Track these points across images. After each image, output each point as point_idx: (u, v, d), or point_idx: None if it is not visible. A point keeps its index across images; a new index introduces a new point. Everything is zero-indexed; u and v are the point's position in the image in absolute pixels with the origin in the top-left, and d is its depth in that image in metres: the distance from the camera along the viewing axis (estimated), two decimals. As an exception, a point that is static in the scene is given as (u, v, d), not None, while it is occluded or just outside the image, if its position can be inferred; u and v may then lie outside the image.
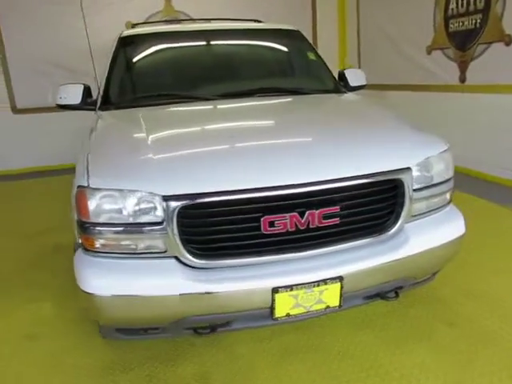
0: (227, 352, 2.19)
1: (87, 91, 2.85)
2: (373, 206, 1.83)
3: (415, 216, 1.95)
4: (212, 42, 3.10)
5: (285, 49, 3.29)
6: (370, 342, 2.20)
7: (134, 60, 2.93)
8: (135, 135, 2.09)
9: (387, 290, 1.98)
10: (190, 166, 1.76)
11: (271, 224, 1.68)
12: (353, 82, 3.23)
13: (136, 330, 1.89)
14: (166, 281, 1.68)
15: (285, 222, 1.68)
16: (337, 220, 1.76)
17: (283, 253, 1.74)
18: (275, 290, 1.69)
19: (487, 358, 2.03)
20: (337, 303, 1.80)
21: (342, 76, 3.23)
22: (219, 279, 1.69)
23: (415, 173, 1.89)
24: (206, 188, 1.65)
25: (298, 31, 3.31)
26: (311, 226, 1.72)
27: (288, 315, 1.76)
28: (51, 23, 6.26)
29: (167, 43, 3.06)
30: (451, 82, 5.19)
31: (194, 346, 2.22)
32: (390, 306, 2.46)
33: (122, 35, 3.04)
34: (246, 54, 3.13)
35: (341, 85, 3.17)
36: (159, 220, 1.64)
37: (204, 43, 3.10)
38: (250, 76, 2.98)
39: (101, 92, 2.77)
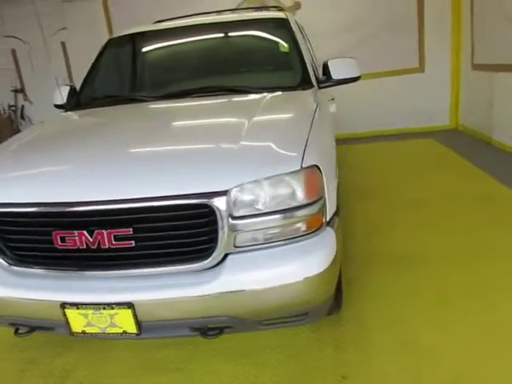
0: (100, 353, 2.26)
1: (74, 92, 3.11)
2: (177, 231, 1.63)
3: (243, 247, 1.66)
4: (184, 40, 3.03)
5: (260, 42, 3.02)
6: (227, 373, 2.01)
7: (103, 62, 3.07)
8: (22, 137, 2.26)
9: (211, 327, 1.74)
10: (11, 174, 1.84)
11: (63, 239, 1.66)
12: (338, 75, 2.80)
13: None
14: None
15: (74, 239, 1.64)
16: (131, 243, 1.63)
17: (76, 270, 1.70)
18: (63, 306, 1.68)
19: None
20: (134, 330, 1.68)
21: (325, 68, 2.83)
22: (19, 285, 1.75)
23: (240, 197, 1.61)
24: (6, 198, 1.72)
25: (281, 19, 3.00)
26: (102, 247, 1.63)
27: (84, 332, 1.73)
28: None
29: (140, 45, 3.11)
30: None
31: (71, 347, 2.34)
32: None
33: (109, 38, 3.21)
34: (216, 49, 2.98)
35: (319, 79, 2.79)
36: None
37: (176, 42, 3.05)
38: (210, 74, 2.84)
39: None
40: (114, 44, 3.12)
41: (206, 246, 1.63)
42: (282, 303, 1.69)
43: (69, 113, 2.75)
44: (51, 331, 1.90)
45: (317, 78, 2.82)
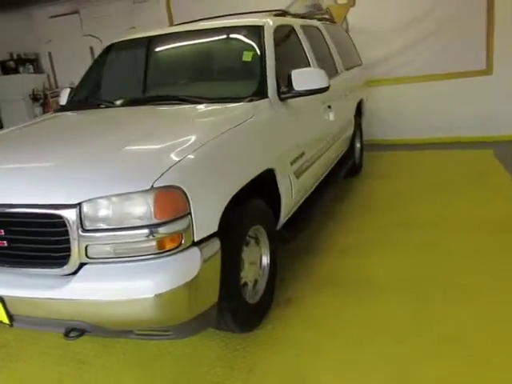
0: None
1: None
2: (38, 237, 1.76)
3: (98, 258, 1.73)
4: (155, 49, 3.13)
5: (226, 50, 2.99)
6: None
7: (90, 69, 3.29)
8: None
9: (71, 328, 1.85)
10: None
11: None
12: (300, 86, 2.70)
13: None
14: None
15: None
16: (3, 243, 1.81)
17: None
18: None
19: None
20: (6, 321, 1.86)
21: (288, 79, 2.74)
22: None
23: (90, 211, 1.69)
24: None
25: (257, 27, 2.93)
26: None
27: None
28: None
29: (115, 54, 3.27)
30: None
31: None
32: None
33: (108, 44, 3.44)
34: (183, 58, 3.03)
35: (281, 90, 2.71)
36: None
37: (146, 50, 3.16)
38: (169, 82, 2.92)
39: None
40: (103, 52, 3.36)
41: (63, 253, 1.75)
42: (132, 317, 1.74)
43: (46, 115, 3.05)
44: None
45: (279, 89, 2.74)
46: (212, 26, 3.06)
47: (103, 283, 1.72)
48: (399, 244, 3.25)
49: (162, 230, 1.70)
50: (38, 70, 8.59)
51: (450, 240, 3.24)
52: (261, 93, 2.64)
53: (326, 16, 6.50)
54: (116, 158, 1.86)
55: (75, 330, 1.84)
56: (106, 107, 2.78)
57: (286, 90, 2.74)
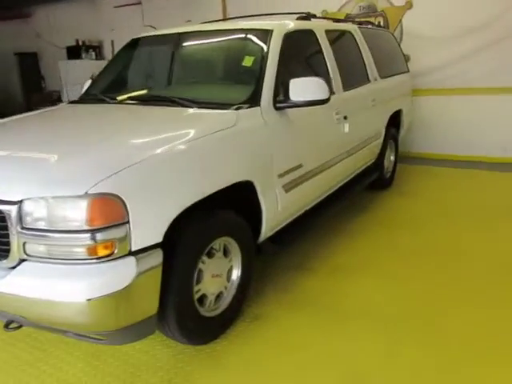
0: None
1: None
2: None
3: (36, 257, 1.77)
4: (161, 48, 3.13)
5: (230, 53, 2.90)
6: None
7: (108, 64, 3.36)
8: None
9: (11, 320, 1.91)
10: None
11: None
12: (298, 96, 2.58)
13: None
14: None
15: None
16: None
17: None
18: None
19: None
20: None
21: (285, 87, 2.62)
22: None
23: (28, 210, 1.72)
24: None
25: (265, 31, 2.82)
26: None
27: None
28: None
29: (126, 51, 3.30)
30: None
31: None
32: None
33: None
34: (188, 59, 3.01)
35: (278, 99, 2.61)
36: None
37: (163, 48, 3.17)
38: (170, 82, 2.91)
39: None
40: (119, 50, 3.43)
41: (5, 247, 1.80)
42: (60, 319, 1.77)
43: (55, 106, 3.18)
44: None
45: (275, 98, 2.62)
46: (220, 28, 3.01)
47: (35, 281, 1.75)
48: (396, 272, 3.01)
49: (94, 236, 1.69)
50: (100, 56, 9.04)
51: (456, 274, 2.95)
52: (252, 101, 2.55)
53: (378, 19, 6.24)
54: (63, 160, 1.88)
55: (14, 323, 1.90)
56: (102, 103, 2.84)
57: (282, 99, 2.62)
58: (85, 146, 1.99)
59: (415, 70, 5.86)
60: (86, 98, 3.10)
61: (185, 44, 3.08)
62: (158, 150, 1.93)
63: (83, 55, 8.71)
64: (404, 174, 5.34)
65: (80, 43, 8.87)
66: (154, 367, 2.18)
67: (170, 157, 1.95)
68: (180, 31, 3.08)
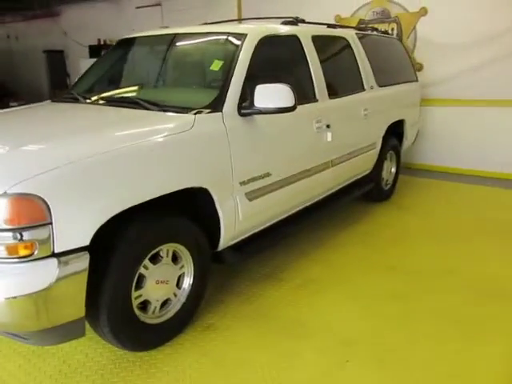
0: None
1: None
2: None
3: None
4: (143, 49, 3.13)
5: (202, 56, 2.86)
6: None
7: (96, 63, 3.40)
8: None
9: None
10: None
11: None
12: (262, 103, 2.51)
13: None
14: None
15: None
16: None
17: None
18: None
19: None
20: None
21: (251, 93, 2.56)
22: None
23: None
24: None
25: (239, 35, 2.77)
26: None
27: None
28: None
29: (122, 50, 3.32)
30: None
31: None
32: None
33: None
34: (162, 61, 2.97)
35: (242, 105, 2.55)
36: None
37: (146, 50, 3.17)
38: (146, 84, 2.90)
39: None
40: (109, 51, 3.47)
41: None
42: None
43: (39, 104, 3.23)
44: None
45: (241, 104, 2.56)
46: (195, 31, 2.97)
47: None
48: (370, 293, 2.87)
49: (13, 235, 1.69)
50: (120, 55, 9.23)
51: (422, 297, 2.79)
52: (215, 105, 2.49)
53: (392, 25, 6.05)
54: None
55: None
56: (75, 103, 2.86)
57: (247, 105, 2.55)
58: (20, 145, 2.00)
59: (429, 78, 5.67)
60: (66, 97, 3.14)
61: (160, 47, 3.07)
62: (92, 153, 1.90)
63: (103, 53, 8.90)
64: (406, 186, 5.15)
65: (102, 42, 9.07)
66: (90, 370, 2.16)
67: (102, 160, 1.92)
68: (156, 34, 3.07)
